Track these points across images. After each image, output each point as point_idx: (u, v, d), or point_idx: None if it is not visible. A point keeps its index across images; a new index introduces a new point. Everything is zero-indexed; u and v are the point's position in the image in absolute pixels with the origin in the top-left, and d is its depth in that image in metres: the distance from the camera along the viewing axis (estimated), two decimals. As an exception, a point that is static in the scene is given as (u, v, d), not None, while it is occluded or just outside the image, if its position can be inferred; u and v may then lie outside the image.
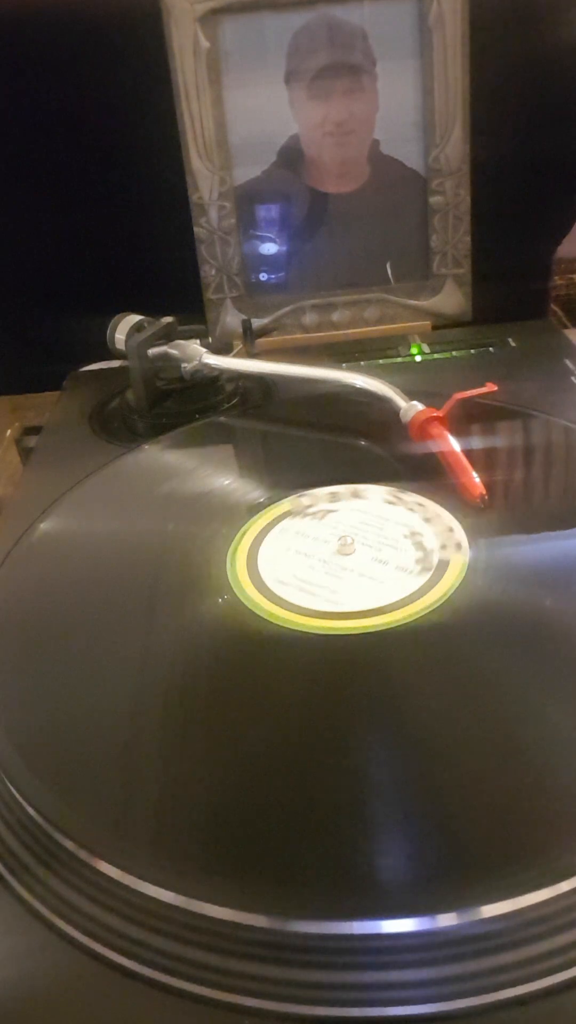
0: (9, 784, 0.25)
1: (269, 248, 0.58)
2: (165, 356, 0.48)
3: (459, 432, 0.39)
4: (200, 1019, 0.20)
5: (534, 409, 0.43)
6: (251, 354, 0.52)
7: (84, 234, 0.59)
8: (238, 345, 0.54)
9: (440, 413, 0.40)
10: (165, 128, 0.54)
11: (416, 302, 0.59)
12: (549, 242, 0.62)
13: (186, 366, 0.48)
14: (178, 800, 0.24)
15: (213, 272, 0.57)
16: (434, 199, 0.56)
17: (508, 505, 0.36)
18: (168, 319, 0.49)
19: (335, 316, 0.59)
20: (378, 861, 0.22)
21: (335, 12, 0.52)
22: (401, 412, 0.41)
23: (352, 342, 0.57)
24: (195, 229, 0.56)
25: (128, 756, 0.26)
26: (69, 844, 0.23)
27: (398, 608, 0.30)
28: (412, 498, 0.37)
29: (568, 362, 0.51)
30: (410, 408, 0.41)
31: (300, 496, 0.38)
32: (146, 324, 0.49)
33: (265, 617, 0.31)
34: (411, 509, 0.36)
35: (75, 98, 0.55)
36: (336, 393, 0.45)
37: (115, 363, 0.53)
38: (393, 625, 0.29)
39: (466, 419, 0.41)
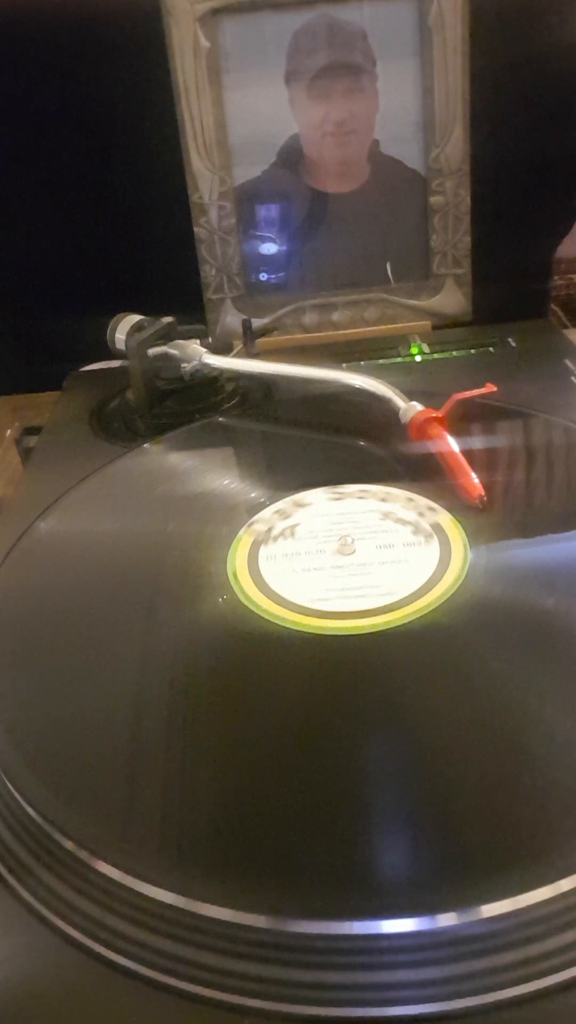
0: (9, 784, 0.25)
1: (269, 248, 0.58)
2: (165, 356, 0.48)
3: (459, 432, 0.39)
4: (200, 1019, 0.20)
5: (534, 409, 0.43)
6: (251, 354, 0.52)
7: (84, 234, 0.59)
8: (238, 345, 0.54)
9: (439, 414, 0.40)
10: (165, 128, 0.54)
11: (416, 302, 0.59)
12: (549, 242, 0.62)
13: (186, 366, 0.48)
14: (178, 800, 0.24)
15: (213, 272, 0.57)
16: (434, 199, 0.56)
17: (508, 505, 0.36)
18: (168, 319, 0.49)
19: (335, 316, 0.59)
20: (378, 861, 0.22)
21: (335, 12, 0.52)
22: (400, 412, 0.41)
23: (352, 342, 0.57)
24: (195, 229, 0.56)
25: (128, 756, 0.26)
26: (69, 844, 0.23)
27: (398, 608, 0.30)
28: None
29: (568, 362, 0.50)
30: (409, 408, 0.41)
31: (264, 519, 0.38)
32: (146, 324, 0.49)
33: (265, 617, 0.31)
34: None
35: (75, 98, 0.55)
36: (336, 393, 0.45)
37: (115, 363, 0.53)
38: (393, 625, 0.30)
39: (466, 419, 0.41)
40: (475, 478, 0.36)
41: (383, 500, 0.37)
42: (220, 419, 0.47)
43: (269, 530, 0.36)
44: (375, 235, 0.58)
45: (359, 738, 0.26)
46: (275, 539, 0.35)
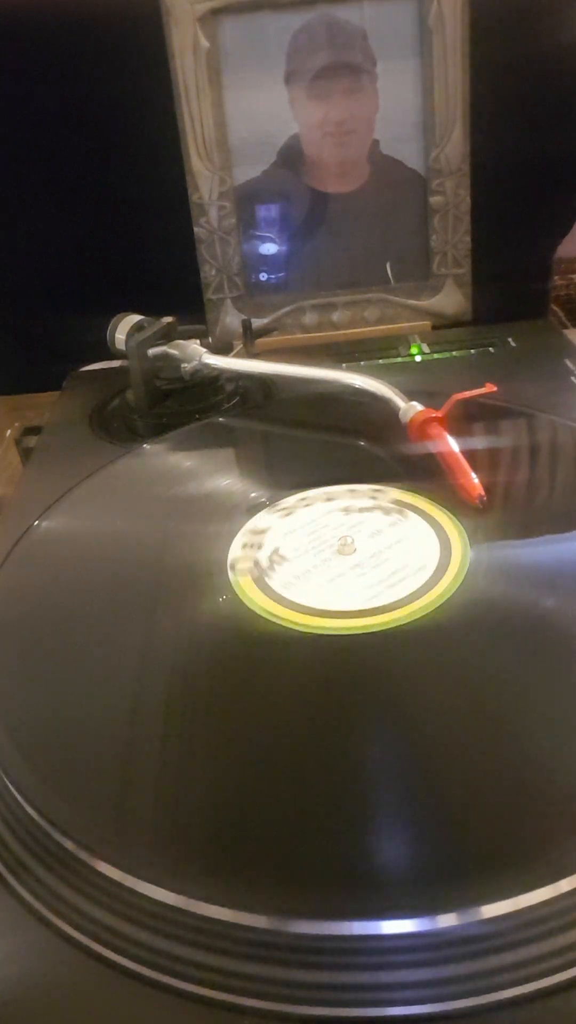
0: (9, 784, 0.25)
1: (269, 248, 0.58)
2: (165, 356, 0.48)
3: (459, 432, 0.39)
4: (200, 1019, 0.20)
5: (534, 409, 0.43)
6: (251, 354, 0.52)
7: (84, 234, 0.59)
8: (238, 345, 0.54)
9: (439, 414, 0.40)
10: (165, 128, 0.54)
11: (416, 302, 0.59)
12: (549, 242, 0.62)
13: (186, 366, 0.48)
14: (178, 800, 0.24)
15: (213, 272, 0.57)
16: (434, 199, 0.56)
17: (508, 505, 0.36)
18: (168, 319, 0.49)
19: (335, 316, 0.59)
20: (378, 861, 0.22)
21: (335, 12, 0.52)
22: (400, 413, 0.41)
23: (352, 342, 0.57)
24: (195, 229, 0.56)
25: (128, 756, 0.26)
26: (69, 844, 0.23)
27: (398, 608, 0.30)
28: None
29: (568, 362, 0.51)
30: (409, 409, 0.41)
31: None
32: (146, 324, 0.49)
33: (265, 616, 0.31)
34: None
35: (75, 98, 0.55)
36: (336, 393, 0.45)
37: (115, 363, 0.53)
38: (393, 625, 0.30)
39: (466, 419, 0.41)
40: (475, 478, 0.36)
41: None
42: (220, 419, 0.47)
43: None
44: (375, 235, 0.58)
45: (358, 738, 0.26)
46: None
